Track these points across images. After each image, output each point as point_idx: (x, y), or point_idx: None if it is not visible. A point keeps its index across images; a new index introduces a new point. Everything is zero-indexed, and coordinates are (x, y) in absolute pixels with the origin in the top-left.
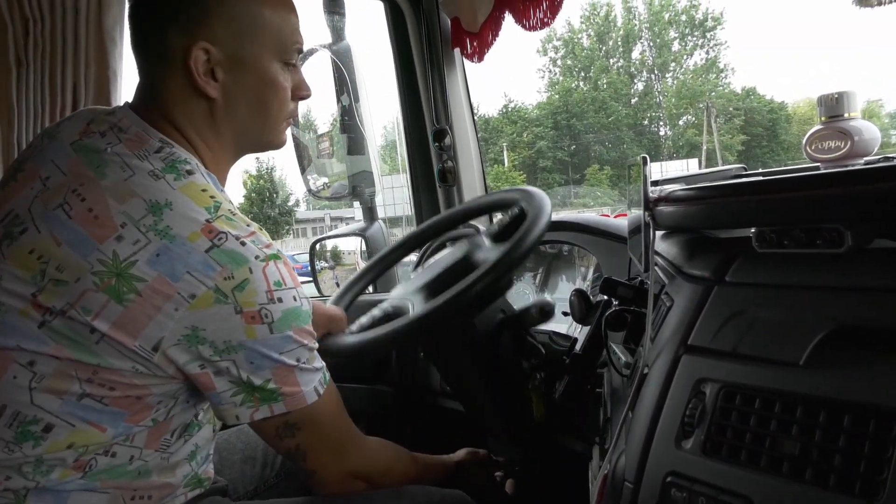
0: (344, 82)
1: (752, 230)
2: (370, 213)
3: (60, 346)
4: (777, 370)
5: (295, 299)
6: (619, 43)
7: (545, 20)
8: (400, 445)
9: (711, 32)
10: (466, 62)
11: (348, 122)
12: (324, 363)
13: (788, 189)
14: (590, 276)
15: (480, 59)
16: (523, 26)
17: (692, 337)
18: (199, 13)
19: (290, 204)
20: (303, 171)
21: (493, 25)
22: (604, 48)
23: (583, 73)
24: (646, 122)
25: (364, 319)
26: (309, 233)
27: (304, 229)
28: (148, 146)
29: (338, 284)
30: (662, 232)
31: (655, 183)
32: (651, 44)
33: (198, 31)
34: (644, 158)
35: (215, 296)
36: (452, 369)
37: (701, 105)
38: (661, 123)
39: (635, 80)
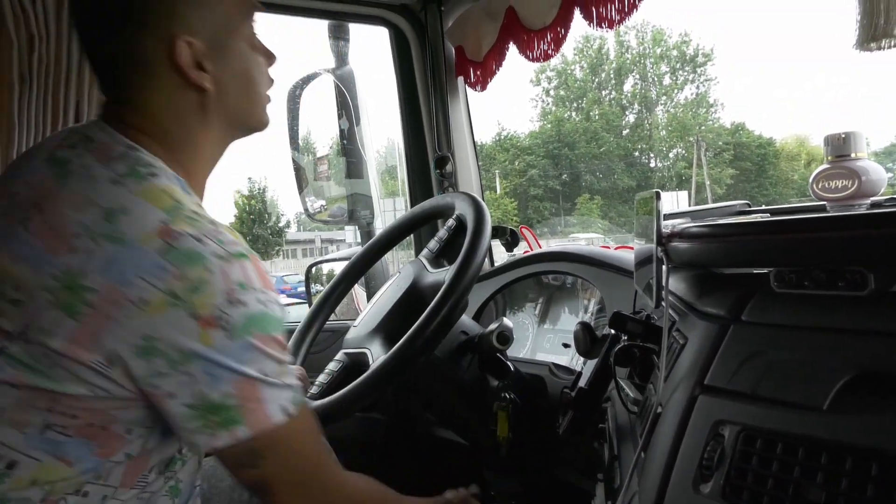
0: (346, 106)
1: (771, 270)
2: (368, 237)
3: (18, 373)
4: (799, 414)
5: (261, 303)
6: (612, 75)
7: (549, 52)
8: (387, 482)
9: (702, 68)
10: (469, 90)
11: (348, 145)
12: (298, 382)
13: (811, 229)
14: (591, 308)
15: (483, 87)
16: (527, 57)
17: (709, 377)
18: (167, 10)
19: (281, 225)
20: (301, 192)
21: (497, 55)
22: (596, 80)
23: (575, 104)
24: (636, 154)
25: (322, 377)
26: (299, 254)
27: (295, 250)
28: (113, 153)
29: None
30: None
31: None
32: (642, 77)
33: (172, 27)
34: (657, 193)
35: (168, 299)
36: (422, 394)
37: (691, 138)
38: (652, 155)
39: (627, 112)
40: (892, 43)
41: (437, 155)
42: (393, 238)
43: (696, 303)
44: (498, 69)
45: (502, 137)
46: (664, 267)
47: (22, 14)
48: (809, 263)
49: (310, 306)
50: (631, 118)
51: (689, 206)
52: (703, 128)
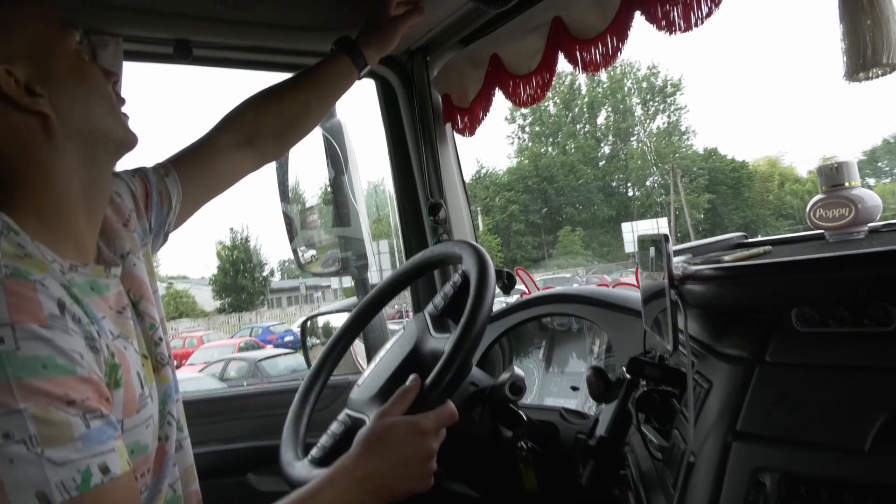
0: (335, 157)
1: (793, 309)
2: (362, 286)
3: None
4: (841, 457)
5: (3, 341)
6: (585, 109)
7: (536, 96)
8: None
9: (671, 98)
10: (457, 135)
11: (338, 197)
12: (82, 455)
13: (830, 268)
14: (597, 349)
15: (472, 133)
16: (514, 102)
17: (740, 422)
18: None
19: (265, 273)
20: (292, 243)
21: (484, 102)
22: (570, 114)
23: (551, 139)
24: (614, 184)
25: (325, 439)
26: (284, 302)
27: (280, 299)
28: None
29: None
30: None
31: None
32: (615, 110)
33: None
34: (664, 237)
35: None
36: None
37: (666, 166)
38: (630, 184)
39: (602, 144)
40: (881, 72)
41: (430, 202)
42: (393, 289)
43: (714, 344)
44: (485, 115)
45: (482, 175)
46: (680, 311)
47: None
48: (830, 302)
49: (307, 360)
50: (606, 149)
51: (669, 229)
52: (677, 155)
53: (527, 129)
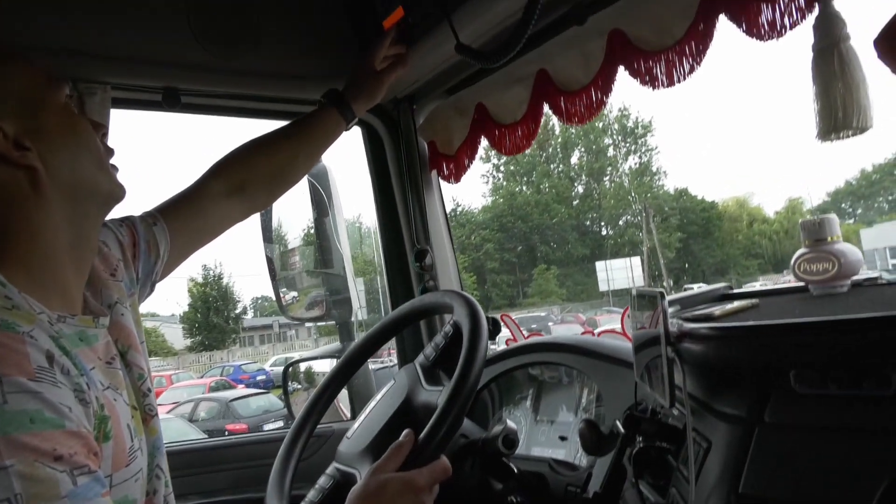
0: (321, 202)
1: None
2: (347, 332)
3: None
4: None
5: None
6: (559, 149)
7: (521, 145)
8: None
9: (642, 139)
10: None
11: (323, 241)
12: None
13: (830, 332)
14: (585, 399)
15: (457, 180)
16: (500, 150)
17: (742, 485)
18: None
19: (237, 311)
20: (273, 284)
21: (469, 149)
22: (544, 154)
23: (525, 178)
24: (588, 223)
25: (313, 494)
26: (256, 340)
27: (252, 337)
28: None
29: None
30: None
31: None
32: (588, 150)
33: None
34: (661, 293)
35: None
36: None
37: (638, 206)
38: (603, 223)
39: (575, 184)
40: (851, 133)
41: (416, 248)
42: (382, 337)
43: (711, 402)
44: (471, 163)
45: (458, 213)
46: (678, 368)
47: None
48: (830, 365)
49: (288, 408)
50: (580, 189)
51: (643, 268)
52: (648, 195)
53: (501, 168)
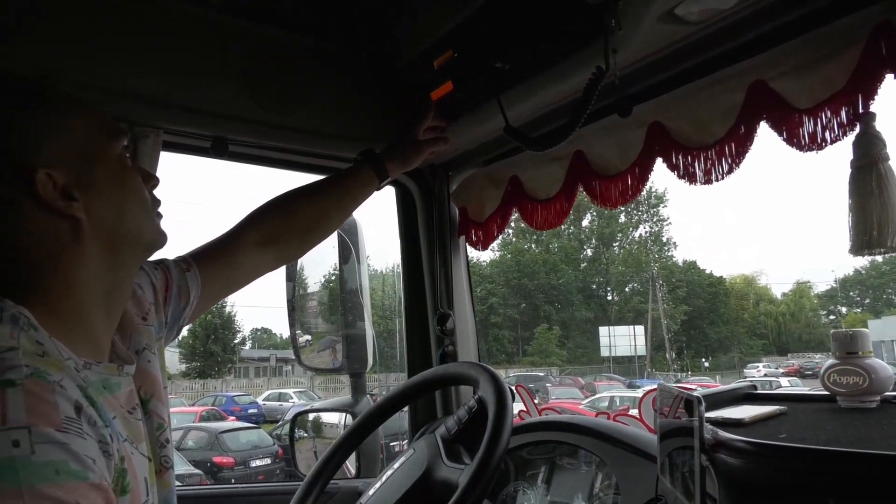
0: (347, 255)
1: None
2: (360, 388)
3: None
4: None
5: (18, 445)
6: (570, 211)
7: (552, 222)
8: None
9: (655, 209)
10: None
11: (348, 296)
12: None
13: (874, 464)
14: (599, 483)
15: (485, 248)
16: (530, 224)
17: None
18: (22, 145)
19: (236, 341)
20: (291, 330)
21: (500, 219)
22: None
23: (535, 236)
24: (594, 287)
25: None
26: (251, 372)
27: (247, 368)
28: None
29: (316, 455)
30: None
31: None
32: (599, 214)
33: (30, 161)
34: (698, 399)
35: None
36: None
37: (646, 274)
38: (609, 289)
39: (584, 247)
40: (885, 251)
41: (438, 312)
42: (402, 401)
43: None
44: (500, 232)
45: None
46: (711, 477)
47: None
48: (876, 498)
49: (293, 459)
50: (589, 252)
51: (647, 341)
52: (656, 265)
53: (512, 224)
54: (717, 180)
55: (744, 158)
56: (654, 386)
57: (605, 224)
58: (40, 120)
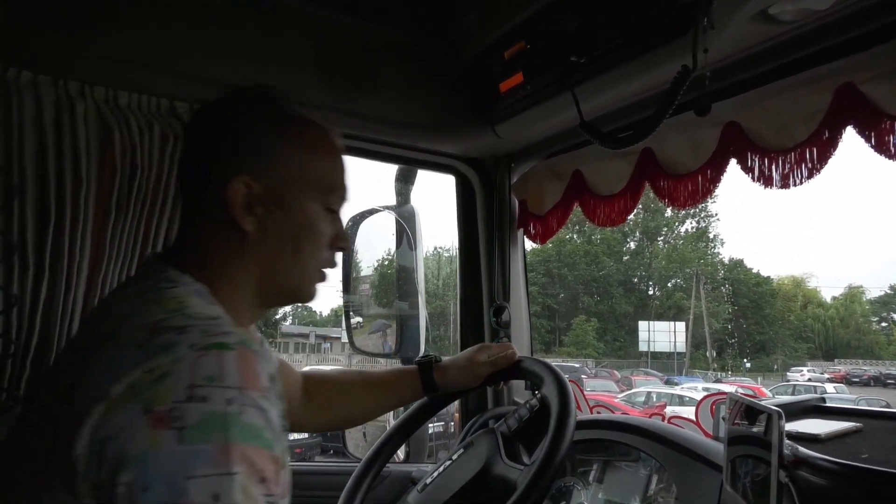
0: (406, 242)
1: None
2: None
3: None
4: None
5: (231, 403)
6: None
7: (615, 219)
8: None
9: (703, 204)
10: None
11: (404, 284)
12: None
13: None
14: (654, 487)
15: (543, 242)
16: (592, 220)
17: None
18: (246, 153)
19: (277, 317)
20: (346, 324)
21: (560, 213)
22: None
23: (577, 227)
24: (635, 280)
25: None
26: (291, 348)
27: (287, 343)
28: (152, 280)
29: (365, 436)
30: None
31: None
32: (644, 207)
33: (241, 167)
34: (778, 413)
35: (129, 393)
36: None
37: (689, 270)
38: (651, 283)
39: (628, 239)
40: None
41: (494, 304)
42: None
43: None
44: (559, 227)
45: None
46: (791, 495)
47: (129, 145)
48: None
49: (342, 436)
50: (632, 245)
51: (687, 338)
52: (702, 261)
53: None
54: (794, 185)
55: (826, 164)
56: (695, 384)
57: (650, 217)
58: (264, 134)
